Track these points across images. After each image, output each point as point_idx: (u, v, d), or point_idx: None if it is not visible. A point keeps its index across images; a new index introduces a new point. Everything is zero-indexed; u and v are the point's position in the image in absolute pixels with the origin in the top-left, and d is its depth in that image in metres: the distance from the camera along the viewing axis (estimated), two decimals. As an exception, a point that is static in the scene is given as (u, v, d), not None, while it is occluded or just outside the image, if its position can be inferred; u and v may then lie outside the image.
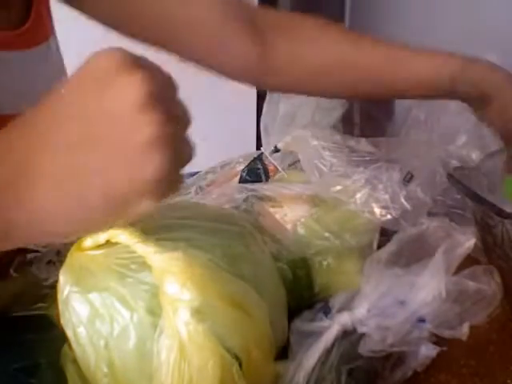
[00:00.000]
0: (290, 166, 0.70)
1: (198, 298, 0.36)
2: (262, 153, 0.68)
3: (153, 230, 0.40)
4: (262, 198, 0.60)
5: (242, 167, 0.68)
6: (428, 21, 1.69)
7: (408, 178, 0.63)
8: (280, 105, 0.81)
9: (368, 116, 0.87)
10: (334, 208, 0.61)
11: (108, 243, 0.40)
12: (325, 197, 0.61)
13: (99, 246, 0.40)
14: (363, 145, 0.70)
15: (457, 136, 0.72)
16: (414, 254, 0.50)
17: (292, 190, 0.60)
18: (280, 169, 0.66)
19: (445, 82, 0.58)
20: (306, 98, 0.78)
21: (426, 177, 0.66)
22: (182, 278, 0.36)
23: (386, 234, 0.62)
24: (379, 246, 0.60)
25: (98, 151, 0.28)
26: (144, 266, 0.38)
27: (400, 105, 0.84)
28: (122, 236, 0.39)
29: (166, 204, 0.49)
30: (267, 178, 0.68)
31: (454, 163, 0.69)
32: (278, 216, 0.59)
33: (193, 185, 0.71)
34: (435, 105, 0.73)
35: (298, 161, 0.70)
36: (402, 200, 0.61)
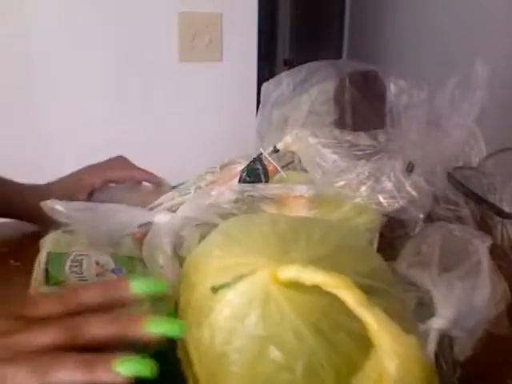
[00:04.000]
0: (283, 167, 0.70)
1: None
2: (262, 153, 0.68)
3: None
4: (262, 199, 0.60)
5: (241, 168, 0.68)
6: (427, 21, 1.69)
7: (410, 168, 0.63)
8: (273, 111, 0.81)
9: (361, 118, 0.87)
10: (334, 208, 0.61)
11: (315, 288, 0.36)
12: (328, 194, 0.60)
13: (301, 287, 0.36)
14: (363, 138, 0.70)
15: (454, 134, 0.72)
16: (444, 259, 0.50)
17: (293, 190, 0.60)
18: (280, 169, 0.66)
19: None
20: (299, 102, 0.79)
21: (426, 167, 0.65)
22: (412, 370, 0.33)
23: (385, 236, 0.62)
24: (379, 247, 0.60)
25: None
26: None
27: (392, 106, 0.84)
28: (345, 294, 0.35)
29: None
30: (267, 178, 0.68)
31: (451, 162, 0.69)
32: None
33: (192, 185, 0.71)
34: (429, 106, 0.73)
35: (293, 161, 0.70)
36: (408, 188, 0.60)
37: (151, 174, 0.83)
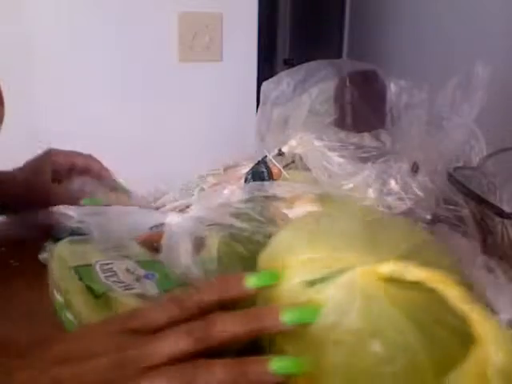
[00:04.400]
0: (284, 167, 0.70)
1: None
2: (267, 156, 0.68)
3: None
4: (273, 198, 0.60)
5: (245, 170, 0.68)
6: (429, 21, 1.69)
7: (415, 169, 0.63)
8: (273, 110, 0.81)
9: (361, 118, 0.87)
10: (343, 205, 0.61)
11: (412, 284, 0.37)
12: (335, 196, 0.60)
13: (399, 282, 0.37)
14: (367, 140, 0.70)
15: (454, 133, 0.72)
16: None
17: (303, 189, 0.61)
18: (284, 172, 0.66)
19: None
20: (299, 101, 0.79)
21: (428, 167, 0.66)
22: None
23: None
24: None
25: None
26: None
27: (392, 106, 0.85)
28: (448, 290, 0.36)
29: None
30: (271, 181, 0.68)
31: (452, 162, 0.69)
32: (291, 216, 0.59)
33: (195, 187, 0.71)
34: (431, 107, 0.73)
35: (293, 161, 0.70)
36: (415, 189, 0.60)
37: (108, 172, 0.82)
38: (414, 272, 0.37)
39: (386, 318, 0.36)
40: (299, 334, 0.37)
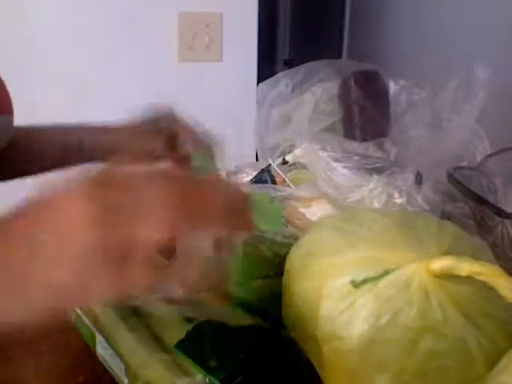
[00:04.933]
0: (289, 166, 0.70)
1: None
2: (270, 164, 0.68)
3: None
4: (290, 198, 0.60)
5: (248, 178, 0.69)
6: (430, 21, 1.69)
7: (419, 180, 0.63)
8: (272, 111, 0.81)
9: (367, 117, 0.87)
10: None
11: (462, 278, 0.38)
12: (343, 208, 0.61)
13: (450, 278, 0.38)
14: (372, 150, 0.70)
15: (456, 133, 0.72)
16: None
17: (315, 190, 0.61)
18: (288, 181, 0.66)
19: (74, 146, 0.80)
20: (301, 100, 0.79)
21: (432, 169, 0.66)
22: None
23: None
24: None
25: None
26: None
27: (395, 104, 0.85)
28: (501, 282, 0.36)
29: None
30: (274, 190, 0.68)
31: (456, 161, 0.69)
32: (308, 215, 0.59)
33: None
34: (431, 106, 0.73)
35: (294, 164, 0.70)
36: (420, 202, 0.61)
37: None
38: (467, 266, 0.37)
39: (442, 314, 0.37)
40: (336, 334, 0.38)
